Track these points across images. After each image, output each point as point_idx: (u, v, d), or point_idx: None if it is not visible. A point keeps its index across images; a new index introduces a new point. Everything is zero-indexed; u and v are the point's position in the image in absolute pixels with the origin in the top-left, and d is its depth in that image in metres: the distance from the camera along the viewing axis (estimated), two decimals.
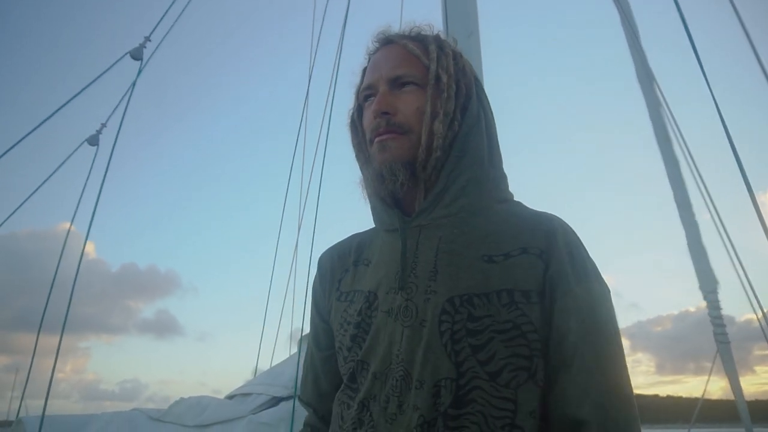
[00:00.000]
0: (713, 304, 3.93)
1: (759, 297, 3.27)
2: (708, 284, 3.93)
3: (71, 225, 2.91)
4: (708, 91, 2.22)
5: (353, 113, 1.05)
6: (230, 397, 2.60)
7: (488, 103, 1.02)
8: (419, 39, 1.01)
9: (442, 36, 1.03)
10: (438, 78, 0.95)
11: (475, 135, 0.95)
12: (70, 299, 2.64)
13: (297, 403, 1.91)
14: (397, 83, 0.96)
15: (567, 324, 0.84)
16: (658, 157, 3.95)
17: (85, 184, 2.91)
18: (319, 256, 1.12)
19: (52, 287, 2.60)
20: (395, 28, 1.04)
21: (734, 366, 3.85)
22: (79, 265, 2.70)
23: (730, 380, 3.86)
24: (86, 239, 2.81)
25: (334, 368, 1.03)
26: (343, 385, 0.96)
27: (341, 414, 0.94)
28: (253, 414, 2.30)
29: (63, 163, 3.17)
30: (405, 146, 0.93)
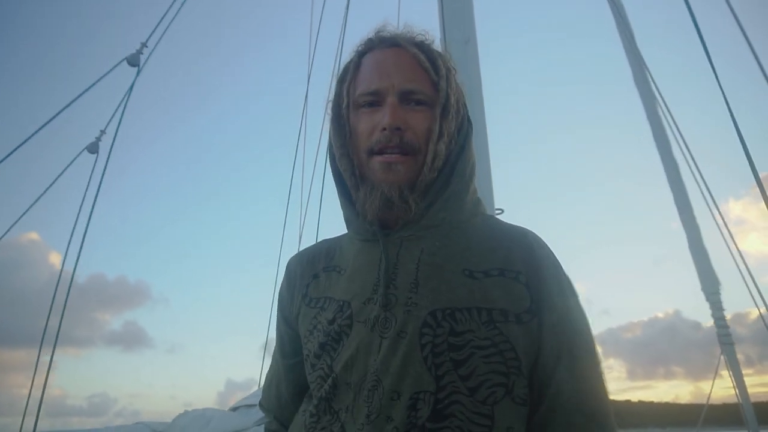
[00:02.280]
0: (716, 305, 3.92)
1: (760, 295, 3.27)
2: (710, 285, 3.92)
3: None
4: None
5: (344, 109, 0.97)
6: (234, 408, 2.59)
7: (470, 117, 1.02)
8: (426, 50, 0.97)
9: (439, 47, 1.00)
10: (447, 98, 0.94)
11: (465, 153, 0.96)
12: (62, 315, 2.65)
13: None
14: (408, 98, 0.92)
15: (558, 338, 0.86)
16: (655, 163, 3.96)
17: (85, 192, 2.91)
18: (288, 261, 1.09)
19: (55, 303, 2.60)
20: (392, 28, 0.99)
21: (739, 367, 3.84)
22: (71, 283, 2.71)
23: (736, 382, 3.84)
24: (77, 260, 2.81)
25: (297, 377, 1.01)
26: (311, 394, 0.93)
27: (304, 422, 0.91)
28: (257, 425, 2.30)
29: (63, 171, 3.16)
30: (412, 169, 0.91)
